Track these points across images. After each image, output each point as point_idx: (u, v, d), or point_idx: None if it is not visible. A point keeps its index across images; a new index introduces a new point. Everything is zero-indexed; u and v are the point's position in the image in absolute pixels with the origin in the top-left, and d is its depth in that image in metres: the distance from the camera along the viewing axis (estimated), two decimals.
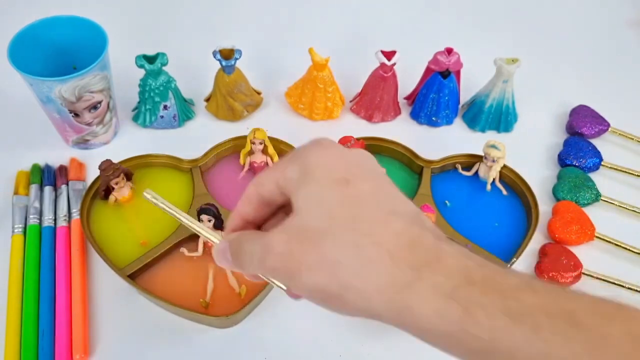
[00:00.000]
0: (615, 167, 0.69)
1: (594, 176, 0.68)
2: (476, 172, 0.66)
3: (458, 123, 0.74)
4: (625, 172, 0.68)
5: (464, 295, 0.25)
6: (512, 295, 0.25)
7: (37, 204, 0.62)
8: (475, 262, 0.27)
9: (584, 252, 0.62)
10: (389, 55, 0.67)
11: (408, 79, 0.73)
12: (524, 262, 0.61)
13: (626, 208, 0.65)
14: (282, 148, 0.66)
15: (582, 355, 0.23)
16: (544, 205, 0.64)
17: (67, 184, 0.64)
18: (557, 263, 0.59)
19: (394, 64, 0.67)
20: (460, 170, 0.67)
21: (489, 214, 0.64)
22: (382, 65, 0.67)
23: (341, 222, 0.27)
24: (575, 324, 0.24)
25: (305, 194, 0.29)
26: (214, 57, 0.65)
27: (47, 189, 0.63)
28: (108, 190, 0.61)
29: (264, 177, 0.31)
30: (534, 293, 0.25)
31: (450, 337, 0.26)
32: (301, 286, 0.28)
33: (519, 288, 0.25)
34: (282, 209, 0.33)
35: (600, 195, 0.65)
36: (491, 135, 0.72)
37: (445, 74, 0.69)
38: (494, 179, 0.65)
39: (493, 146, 0.63)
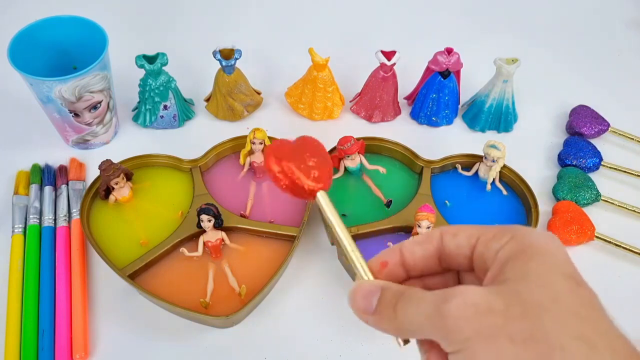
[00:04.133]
0: (615, 167, 0.69)
1: (593, 176, 0.68)
2: (476, 172, 0.66)
3: (458, 123, 0.74)
4: (625, 172, 0.68)
5: None
6: None
7: (37, 204, 0.62)
8: None
9: (583, 252, 0.62)
10: (389, 55, 0.67)
11: (408, 79, 0.73)
12: None
13: (626, 208, 0.65)
14: None
15: None
16: (544, 205, 0.64)
17: (67, 184, 0.64)
18: None
19: (394, 64, 0.67)
20: (460, 170, 0.67)
21: (489, 214, 0.64)
22: (382, 65, 0.67)
23: (568, 309, 0.24)
24: None
25: (528, 270, 0.25)
26: (214, 57, 0.65)
27: (47, 189, 0.63)
28: (108, 190, 0.61)
29: (460, 229, 0.28)
30: None
31: None
32: (483, 357, 0.23)
33: None
34: (440, 276, 0.30)
35: (600, 195, 0.65)
36: (491, 135, 0.72)
37: (445, 74, 0.69)
38: (494, 179, 0.65)
39: (493, 146, 0.63)
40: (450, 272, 0.30)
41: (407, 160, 0.67)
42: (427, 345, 0.27)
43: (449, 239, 0.28)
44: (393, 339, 0.28)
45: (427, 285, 0.29)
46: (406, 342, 0.27)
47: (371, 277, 0.29)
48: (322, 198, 0.31)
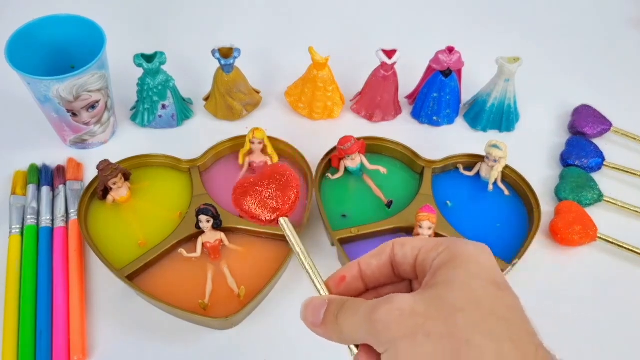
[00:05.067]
0: (617, 167, 0.68)
1: (596, 176, 0.67)
2: (478, 172, 0.66)
3: (459, 122, 0.73)
4: (628, 172, 0.68)
5: None
6: None
7: (34, 204, 0.61)
8: None
9: (586, 253, 0.62)
10: (390, 54, 0.66)
11: (409, 78, 0.73)
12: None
13: (629, 208, 0.64)
14: (281, 148, 0.66)
15: None
16: (546, 206, 0.64)
17: (65, 184, 0.64)
18: None
19: (395, 63, 0.67)
20: (461, 170, 0.66)
21: (490, 215, 0.63)
22: (383, 64, 0.67)
23: (485, 311, 0.26)
24: None
25: (452, 276, 0.28)
26: (213, 55, 0.65)
27: (45, 189, 0.63)
28: (106, 191, 0.61)
29: (408, 240, 0.31)
30: None
31: None
32: (405, 352, 0.26)
33: None
34: (393, 285, 0.33)
35: (602, 196, 0.65)
36: (493, 135, 0.72)
37: (447, 73, 0.69)
38: (495, 179, 0.65)
39: (495, 146, 0.62)
40: (404, 281, 0.33)
41: (408, 160, 0.67)
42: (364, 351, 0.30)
43: (398, 249, 0.31)
44: (346, 349, 0.30)
45: (381, 294, 0.31)
46: (357, 346, 0.30)
47: (327, 293, 0.32)
48: (284, 223, 0.35)
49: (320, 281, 0.32)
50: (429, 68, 0.70)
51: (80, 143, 0.67)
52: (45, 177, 0.64)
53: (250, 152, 0.64)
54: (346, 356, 0.54)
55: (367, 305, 0.28)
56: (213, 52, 0.65)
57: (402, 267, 0.31)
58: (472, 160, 0.66)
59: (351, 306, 0.29)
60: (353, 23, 0.85)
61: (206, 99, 0.71)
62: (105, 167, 0.59)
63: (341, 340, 0.30)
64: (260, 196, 0.36)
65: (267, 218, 0.36)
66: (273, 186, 0.36)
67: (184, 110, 0.70)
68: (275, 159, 0.65)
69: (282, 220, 0.35)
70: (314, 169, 0.64)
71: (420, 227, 0.57)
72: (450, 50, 0.68)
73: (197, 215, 0.57)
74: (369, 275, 0.32)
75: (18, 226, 0.60)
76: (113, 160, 0.61)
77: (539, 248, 0.61)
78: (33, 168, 0.65)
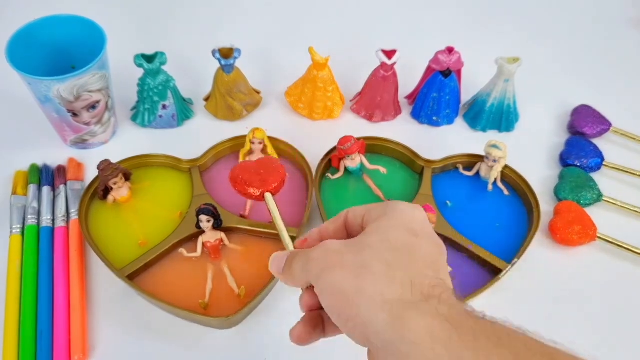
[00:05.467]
0: (617, 167, 0.68)
1: (595, 176, 0.68)
2: (477, 172, 0.66)
3: (459, 123, 0.73)
4: (627, 172, 0.68)
5: (458, 321, 0.29)
6: (502, 328, 0.29)
7: (35, 204, 0.61)
8: (489, 317, 0.30)
9: (585, 253, 0.62)
10: (390, 54, 0.66)
11: (409, 78, 0.73)
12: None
13: (628, 208, 0.65)
14: (281, 148, 0.66)
15: None
16: (546, 206, 0.64)
17: (66, 184, 0.64)
18: None
19: (395, 63, 0.67)
20: (461, 170, 0.67)
21: (490, 214, 0.63)
22: (383, 64, 0.67)
23: (387, 246, 0.32)
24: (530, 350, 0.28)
25: (376, 225, 0.34)
26: (213, 56, 0.65)
27: (46, 189, 0.63)
28: (107, 191, 0.61)
29: (357, 207, 0.37)
30: (526, 336, 0.28)
31: (431, 351, 0.28)
32: (327, 282, 0.32)
33: (514, 329, 0.29)
34: None
35: (602, 196, 0.65)
36: (492, 135, 0.72)
37: (446, 73, 0.69)
38: (495, 179, 0.65)
39: (494, 146, 0.62)
40: None
41: (407, 160, 0.67)
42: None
43: (352, 213, 0.37)
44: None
45: None
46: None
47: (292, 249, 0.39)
48: (268, 198, 0.45)
49: (290, 243, 0.40)
50: (429, 68, 0.70)
51: (81, 143, 0.67)
52: (46, 177, 0.64)
53: (250, 152, 0.64)
54: (347, 356, 0.55)
55: (308, 251, 0.35)
56: (213, 52, 0.65)
57: (353, 227, 0.37)
58: (472, 160, 0.66)
59: (300, 254, 0.35)
60: (353, 23, 0.85)
61: (206, 99, 0.71)
62: (105, 167, 0.59)
63: (295, 284, 0.36)
64: (252, 175, 0.46)
65: (255, 193, 0.45)
66: (262, 170, 0.46)
67: (184, 111, 0.70)
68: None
69: (267, 195, 0.45)
70: (314, 169, 0.64)
71: None
72: (450, 50, 0.68)
73: (198, 215, 0.57)
74: (327, 237, 0.37)
75: (19, 226, 0.60)
76: (114, 160, 0.61)
77: (538, 248, 0.61)
78: (34, 168, 0.65)
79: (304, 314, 0.37)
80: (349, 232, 0.37)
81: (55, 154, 0.67)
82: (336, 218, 0.38)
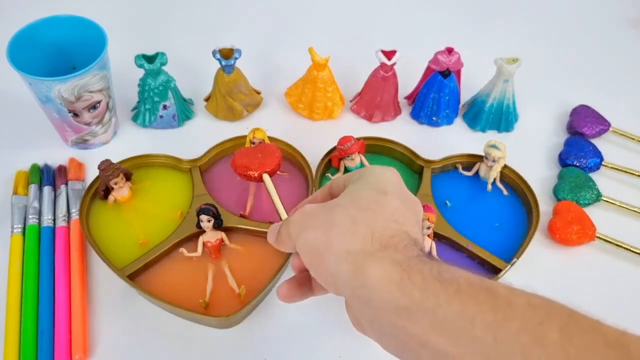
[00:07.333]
0: (616, 167, 0.68)
1: (594, 176, 0.68)
2: (477, 172, 0.66)
3: (458, 123, 0.74)
4: (626, 172, 0.68)
5: (409, 265, 0.31)
6: (447, 268, 0.31)
7: (36, 204, 0.62)
8: (437, 260, 0.33)
9: (584, 253, 0.62)
10: (389, 54, 0.66)
11: (408, 78, 0.73)
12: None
13: (627, 208, 0.65)
14: (281, 148, 0.66)
15: (488, 314, 0.28)
16: (545, 205, 0.64)
17: (67, 184, 0.64)
18: None
19: (394, 64, 0.67)
20: (460, 170, 0.67)
21: (489, 214, 0.63)
22: (382, 64, 0.67)
23: (356, 204, 0.35)
24: (489, 292, 0.29)
25: (350, 188, 0.37)
26: (214, 56, 0.65)
27: (46, 189, 0.63)
28: (107, 190, 0.61)
29: (340, 175, 0.41)
30: (468, 273, 0.31)
31: (388, 293, 0.31)
32: (303, 241, 0.36)
33: (457, 268, 0.31)
34: None
35: (601, 196, 0.65)
36: (492, 135, 0.72)
37: (446, 73, 0.69)
38: (494, 179, 0.65)
39: (494, 146, 0.62)
40: None
41: (407, 160, 0.67)
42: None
43: (335, 182, 0.41)
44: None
45: None
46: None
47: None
48: (266, 178, 0.52)
49: (285, 214, 0.45)
50: (428, 69, 0.71)
51: (82, 143, 0.68)
52: (47, 177, 0.64)
53: None
54: (348, 357, 0.55)
55: (291, 217, 0.38)
56: (214, 52, 0.65)
57: (337, 194, 0.39)
58: (471, 160, 0.67)
59: (285, 220, 0.39)
60: (353, 23, 0.85)
61: (207, 100, 0.71)
62: (106, 167, 0.59)
63: (286, 249, 0.39)
64: (251, 159, 0.53)
65: (254, 174, 0.52)
66: (260, 154, 0.53)
67: (184, 111, 0.71)
68: None
69: (265, 175, 0.52)
70: (314, 169, 0.64)
71: None
72: (450, 50, 0.68)
73: (198, 214, 0.57)
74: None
75: (20, 226, 0.60)
76: (114, 160, 0.61)
77: (537, 247, 0.61)
78: (35, 168, 0.65)
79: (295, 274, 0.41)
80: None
81: (56, 154, 0.67)
82: (323, 188, 0.42)
